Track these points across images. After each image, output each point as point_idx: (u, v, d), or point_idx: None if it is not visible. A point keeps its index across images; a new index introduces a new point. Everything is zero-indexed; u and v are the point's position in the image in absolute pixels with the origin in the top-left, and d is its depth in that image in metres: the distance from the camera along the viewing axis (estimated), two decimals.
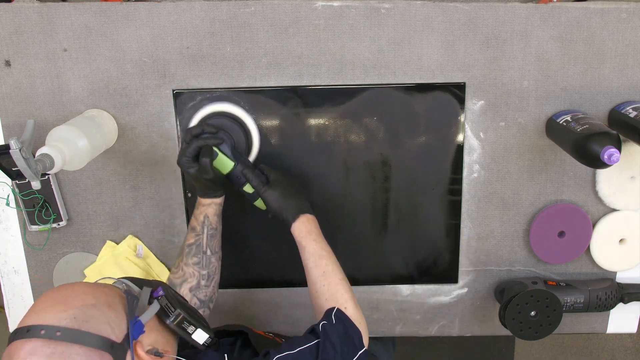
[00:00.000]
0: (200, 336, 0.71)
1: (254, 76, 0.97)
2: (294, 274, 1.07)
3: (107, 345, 0.60)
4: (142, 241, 1.06)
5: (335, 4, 0.93)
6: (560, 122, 0.93)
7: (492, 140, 1.01)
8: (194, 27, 0.94)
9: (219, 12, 0.94)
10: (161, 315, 0.69)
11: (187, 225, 0.98)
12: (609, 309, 1.05)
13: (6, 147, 0.72)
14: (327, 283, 0.84)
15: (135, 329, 0.64)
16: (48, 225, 1.03)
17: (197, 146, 0.88)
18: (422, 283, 1.09)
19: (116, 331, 0.61)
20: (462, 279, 1.09)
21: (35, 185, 0.76)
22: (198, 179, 0.89)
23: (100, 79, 0.97)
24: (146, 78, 0.97)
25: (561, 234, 1.05)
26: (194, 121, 0.99)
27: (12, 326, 1.12)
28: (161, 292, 0.69)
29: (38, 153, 0.78)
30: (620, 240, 1.06)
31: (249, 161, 0.97)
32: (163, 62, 0.96)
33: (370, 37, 0.95)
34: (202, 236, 0.92)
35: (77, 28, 0.94)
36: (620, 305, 1.08)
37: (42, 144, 0.81)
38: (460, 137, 1.00)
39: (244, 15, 0.94)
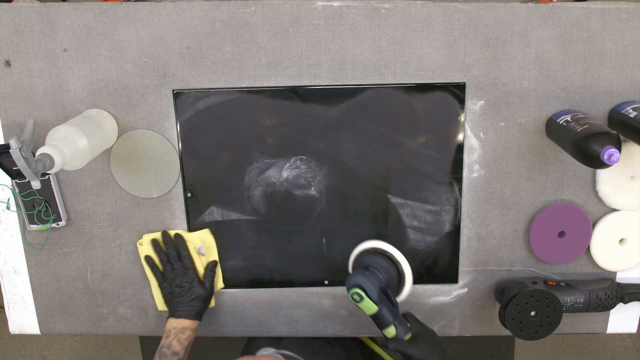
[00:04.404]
0: None
1: (254, 76, 0.97)
2: (294, 274, 1.08)
3: None
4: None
5: (335, 4, 0.93)
6: (560, 122, 0.93)
7: (492, 140, 1.01)
8: (194, 27, 0.94)
9: (219, 12, 0.94)
10: None
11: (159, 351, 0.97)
12: (609, 309, 1.05)
13: (6, 147, 0.72)
14: None
15: None
16: (47, 225, 1.03)
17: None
18: (422, 283, 1.09)
19: None
20: (462, 279, 1.09)
21: (35, 185, 0.76)
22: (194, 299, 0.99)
23: (100, 79, 0.97)
24: (146, 78, 0.97)
25: (561, 234, 1.05)
26: (354, 254, 1.02)
27: (12, 326, 1.12)
28: None
29: (38, 153, 0.78)
30: (620, 240, 1.06)
31: (392, 306, 0.92)
32: (163, 62, 0.96)
33: (370, 37, 0.95)
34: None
35: (77, 28, 0.94)
36: (620, 305, 1.08)
37: (42, 144, 0.81)
38: (460, 137, 1.00)
39: (244, 15, 0.94)
